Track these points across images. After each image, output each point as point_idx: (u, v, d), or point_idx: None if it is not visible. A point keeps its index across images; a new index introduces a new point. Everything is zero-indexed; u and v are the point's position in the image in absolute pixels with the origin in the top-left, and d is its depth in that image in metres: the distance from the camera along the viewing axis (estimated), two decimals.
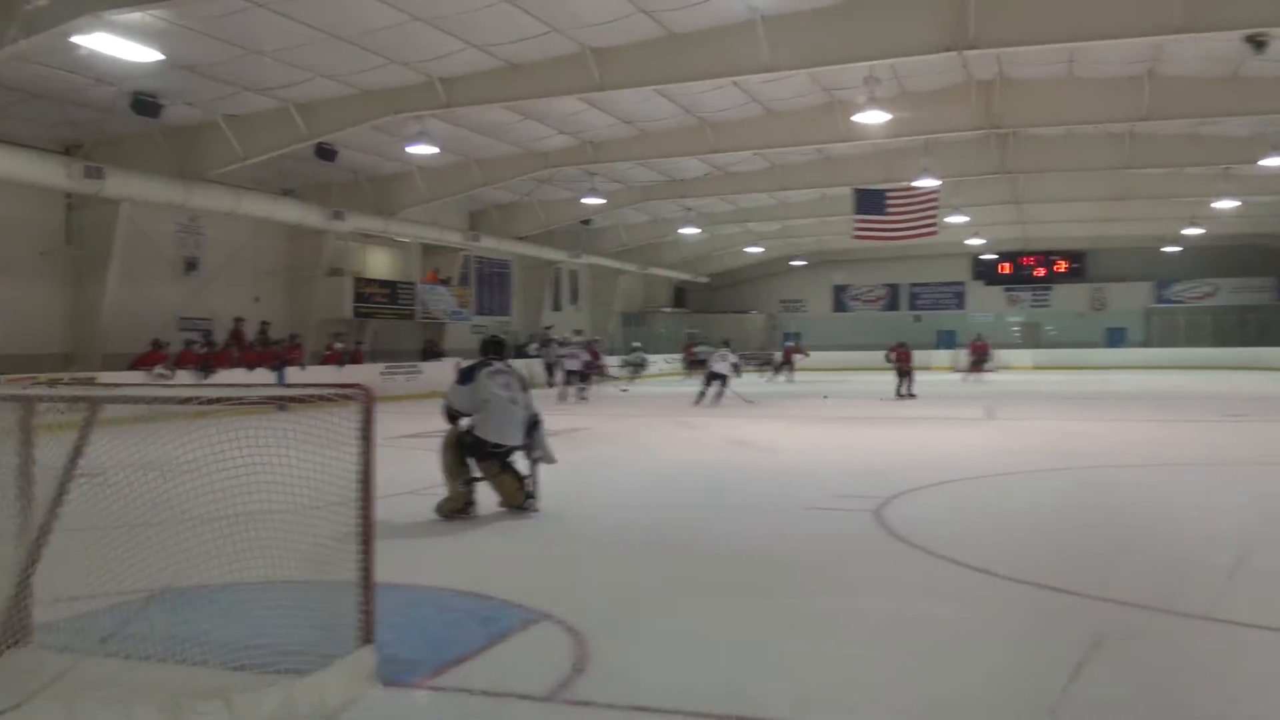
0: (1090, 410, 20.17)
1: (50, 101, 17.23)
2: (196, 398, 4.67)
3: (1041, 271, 47.54)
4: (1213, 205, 30.77)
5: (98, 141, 19.22)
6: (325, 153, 21.13)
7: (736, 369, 22.14)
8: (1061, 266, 47.12)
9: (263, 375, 20.43)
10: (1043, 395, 25.32)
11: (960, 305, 49.05)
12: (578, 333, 35.65)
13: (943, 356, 41.69)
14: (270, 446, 4.42)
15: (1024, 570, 6.30)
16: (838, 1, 15.34)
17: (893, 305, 50.30)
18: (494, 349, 8.91)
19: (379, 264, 28.70)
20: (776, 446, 14.24)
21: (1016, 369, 39.63)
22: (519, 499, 8.46)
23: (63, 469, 4.63)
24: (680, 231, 35.78)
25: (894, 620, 5.36)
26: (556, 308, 38.73)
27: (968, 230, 37.22)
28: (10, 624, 4.51)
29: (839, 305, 51.05)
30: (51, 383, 9.13)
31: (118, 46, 13.80)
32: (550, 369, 24.84)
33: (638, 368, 34.51)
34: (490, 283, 34.59)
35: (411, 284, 28.52)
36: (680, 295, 49.89)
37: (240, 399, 4.76)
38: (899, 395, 23.42)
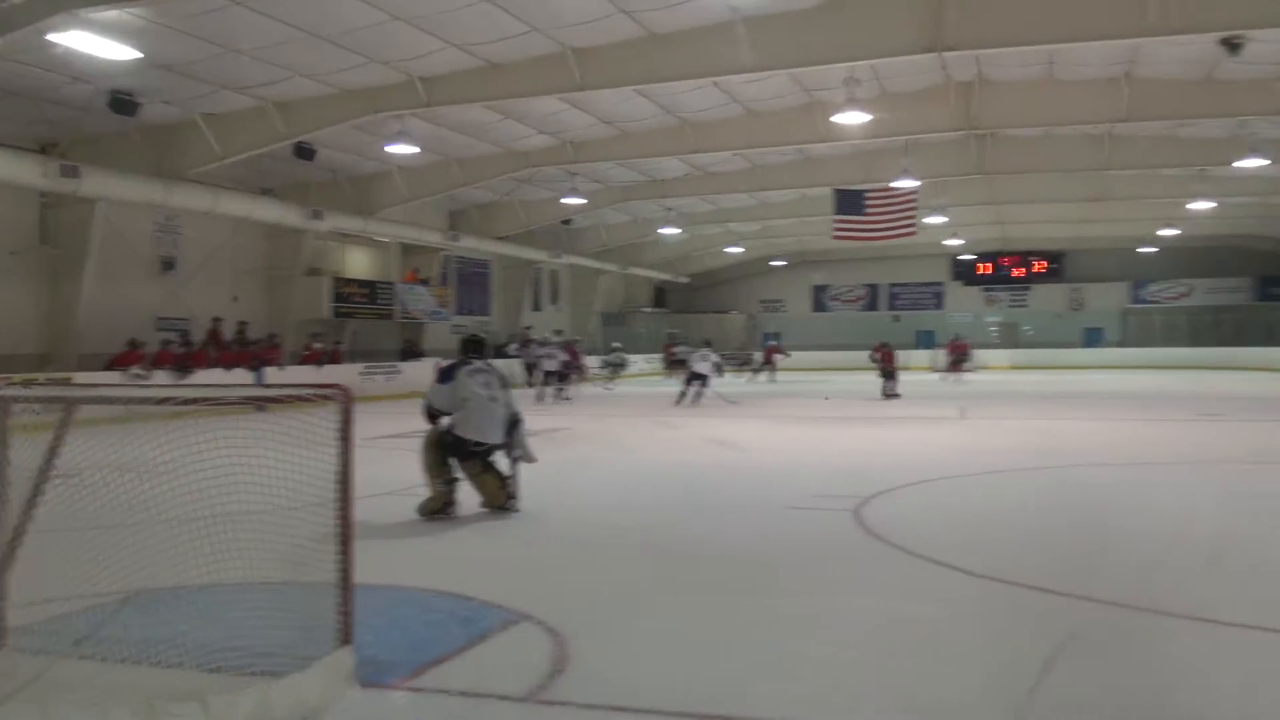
0: (1068, 410, 20.31)
1: (26, 99, 17.08)
2: (173, 398, 4.65)
3: (1019, 272, 47.81)
4: (1188, 206, 31.03)
5: (74, 140, 19.07)
6: (304, 152, 21.03)
7: (718, 369, 22.13)
8: (1039, 267, 47.41)
9: (241, 375, 20.30)
10: (1021, 395, 25.47)
11: (939, 305, 49.28)
12: (558, 333, 35.63)
13: (921, 356, 41.85)
14: (248, 447, 4.40)
15: (1002, 569, 6.34)
16: (818, 2, 15.38)
17: (872, 305, 50.49)
18: (474, 348, 8.90)
19: (358, 264, 28.59)
20: (757, 446, 14.26)
21: (994, 369, 39.83)
22: (500, 499, 8.45)
23: (38, 470, 4.59)
24: (660, 232, 35.77)
25: (873, 619, 5.38)
26: (537, 308, 38.69)
27: (946, 231, 37.38)
28: None
29: (819, 305, 51.19)
30: (26, 383, 9.04)
31: (94, 44, 13.68)
32: (530, 369, 24.78)
33: (617, 368, 34.50)
34: (470, 283, 34.51)
35: (391, 284, 28.42)
36: (660, 295, 49.92)
37: (218, 399, 4.74)
38: (885, 395, 23.42)
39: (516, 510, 8.43)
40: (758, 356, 37.47)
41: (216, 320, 22.56)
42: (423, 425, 8.65)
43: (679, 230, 35.64)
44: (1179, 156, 25.15)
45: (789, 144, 23.77)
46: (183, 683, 4.01)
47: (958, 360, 33.52)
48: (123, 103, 17.21)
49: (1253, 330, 41.99)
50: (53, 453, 4.62)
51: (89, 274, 19.19)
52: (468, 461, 8.41)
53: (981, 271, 48.16)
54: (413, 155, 21.63)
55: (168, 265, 22.15)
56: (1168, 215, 35.06)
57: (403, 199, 25.78)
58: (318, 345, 24.58)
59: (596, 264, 39.24)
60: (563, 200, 28.13)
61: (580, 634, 4.98)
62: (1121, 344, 45.64)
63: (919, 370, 39.03)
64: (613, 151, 23.77)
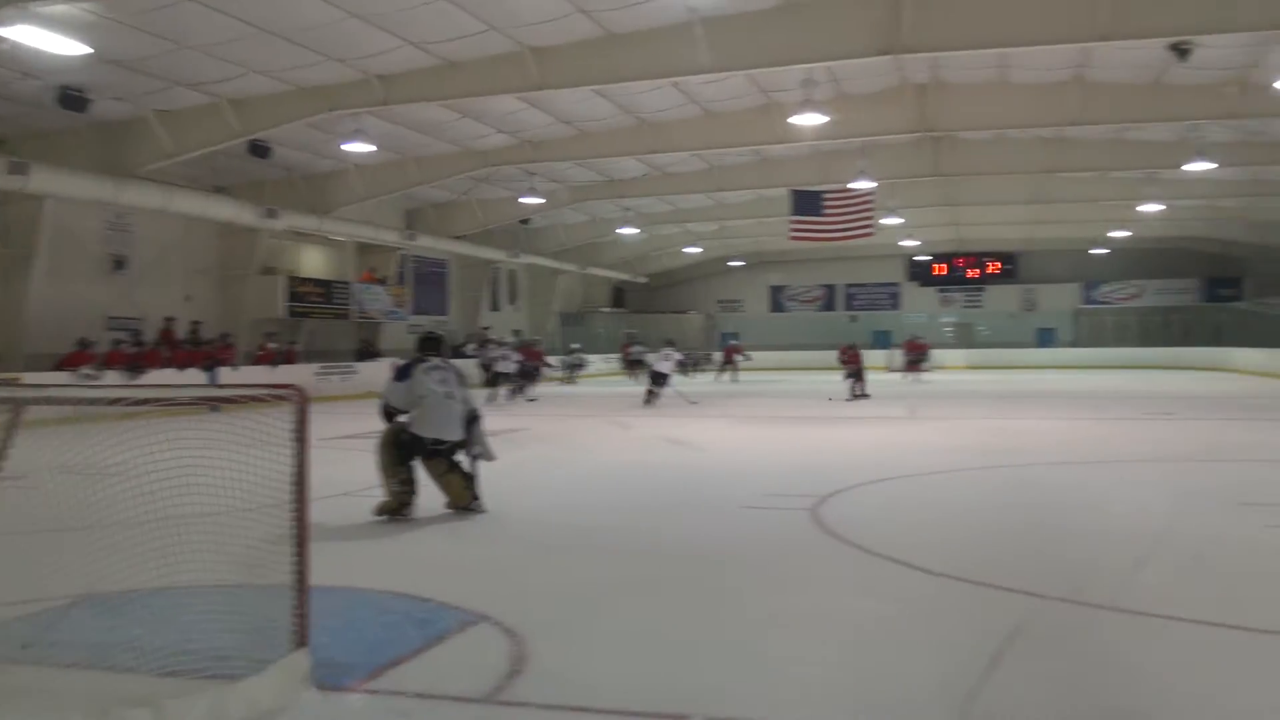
0: (1022, 409, 20.57)
1: None
2: (125, 399, 4.59)
3: (974, 273, 48.38)
4: (1138, 209, 31.54)
5: (23, 136, 18.68)
6: (259, 150, 20.80)
7: (682, 367, 22.09)
8: (993, 268, 48.00)
9: (194, 376, 20.05)
10: (976, 395, 25.75)
11: (895, 306, 49.73)
12: (516, 333, 35.54)
13: (878, 356, 42.18)
14: (202, 448, 4.36)
15: (956, 567, 6.41)
16: (775, 4, 15.47)
17: (829, 306, 50.84)
18: (431, 346, 8.85)
19: (314, 263, 28.32)
20: (715, 446, 14.31)
21: (950, 369, 40.22)
22: (466, 499, 8.41)
23: None
24: (619, 232, 35.81)
25: (828, 617, 5.43)
26: (495, 308, 38.55)
27: (903, 232, 37.75)
28: None
29: (776, 305, 51.48)
30: None
31: (43, 39, 13.43)
32: (486, 369, 24.67)
33: (575, 368, 34.46)
34: (427, 282, 34.30)
35: (347, 283, 28.18)
36: (619, 295, 49.94)
37: (171, 400, 4.69)
38: (854, 396, 23.41)
39: (483, 510, 8.40)
40: (717, 356, 37.55)
41: (169, 320, 22.27)
42: (380, 425, 8.60)
43: (637, 230, 35.67)
44: (1129, 159, 25.57)
45: (746, 145, 23.87)
46: (136, 687, 3.97)
47: (916, 360, 33.68)
48: (72, 99, 16.94)
49: (1200, 330, 42.78)
50: (0, 455, 4.54)
51: (37, 272, 18.86)
52: (431, 461, 8.37)
53: (937, 272, 48.69)
54: (369, 154, 21.46)
55: (119, 264, 21.81)
56: (1118, 217, 35.65)
57: (359, 198, 25.59)
58: (272, 345, 24.34)
59: (555, 264, 39.18)
60: (521, 200, 28.07)
61: (538, 635, 4.98)
62: (1074, 344, 46.31)
63: (875, 370, 39.29)
64: (571, 151, 23.75)
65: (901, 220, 33.06)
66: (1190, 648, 4.90)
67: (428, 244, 31.23)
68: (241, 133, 18.96)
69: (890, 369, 37.56)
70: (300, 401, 4.26)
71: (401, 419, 8.39)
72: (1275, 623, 5.16)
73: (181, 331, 22.52)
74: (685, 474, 11.38)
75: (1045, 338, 47.23)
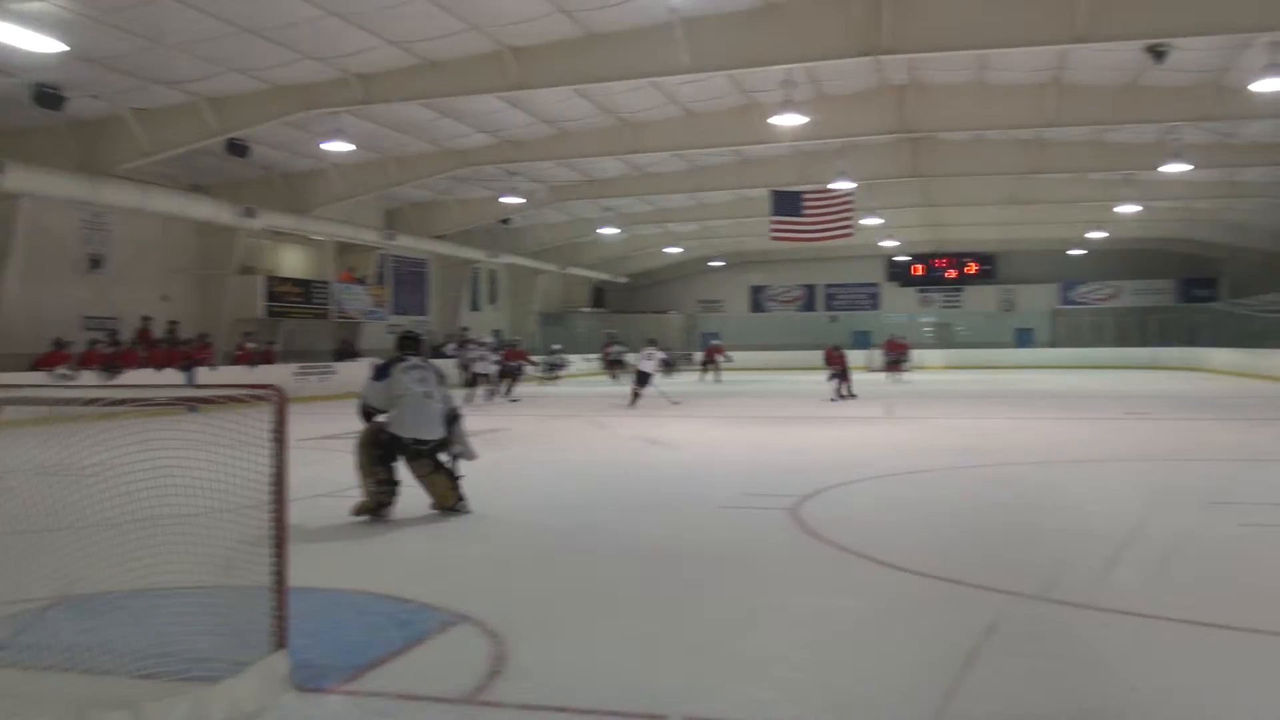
0: (1000, 409, 20.68)
1: None
2: (102, 399, 4.55)
3: (953, 273, 48.65)
4: (1115, 210, 31.79)
5: None
6: (237, 148, 20.67)
7: (666, 365, 22.04)
8: (972, 268, 48.28)
9: (171, 376, 19.94)
10: (954, 395, 25.89)
11: (875, 306, 49.94)
12: (496, 333, 35.48)
13: (858, 356, 42.31)
14: (179, 449, 4.34)
15: (933, 565, 6.45)
16: (755, 5, 15.51)
17: (809, 306, 51.01)
18: (409, 345, 8.81)
19: (293, 262, 28.19)
20: (694, 446, 14.34)
21: (929, 369, 40.39)
22: (451, 500, 8.39)
23: None
24: (599, 231, 35.81)
25: (806, 616, 5.45)
26: (475, 307, 38.46)
27: (882, 232, 37.92)
28: None
29: (756, 305, 51.60)
30: None
31: (18, 36, 13.30)
32: (466, 369, 24.61)
33: (555, 368, 34.44)
34: (407, 282, 34.21)
35: (326, 283, 28.07)
36: (599, 295, 49.93)
37: (148, 400, 4.66)
38: (840, 396, 23.41)
39: (467, 511, 8.38)
40: (697, 356, 37.55)
41: (146, 319, 22.12)
42: (359, 425, 8.57)
43: (618, 230, 35.69)
44: (1106, 161, 25.76)
45: (727, 145, 23.92)
46: (114, 690, 3.95)
47: (897, 360, 33.64)
48: (48, 96, 16.80)
49: (1176, 331, 43.14)
50: None
51: (12, 272, 18.69)
52: (415, 462, 8.34)
53: (916, 273, 48.93)
54: (348, 153, 21.39)
55: (95, 263, 21.64)
56: (1095, 218, 35.91)
57: (338, 197, 25.50)
58: (250, 345, 24.22)
59: (535, 264, 39.13)
60: (501, 199, 28.04)
61: (518, 635, 4.98)
62: (1052, 344, 46.62)
63: (857, 370, 39.39)
64: (551, 151, 23.73)
65: (881, 221, 33.21)
66: (1163, 645, 4.95)
67: (407, 243, 31.14)
68: (219, 131, 18.86)
69: (870, 369, 37.65)
70: (279, 402, 4.25)
71: (380, 419, 8.36)
72: (1247, 620, 5.21)
73: (159, 331, 22.37)
74: (665, 474, 11.40)
75: (1023, 338, 47.53)
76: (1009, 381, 31.96)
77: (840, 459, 12.37)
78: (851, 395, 23.32)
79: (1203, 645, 4.93)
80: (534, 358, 30.59)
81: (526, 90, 17.73)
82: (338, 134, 19.12)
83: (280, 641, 4.25)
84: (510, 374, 25.67)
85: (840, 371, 23.65)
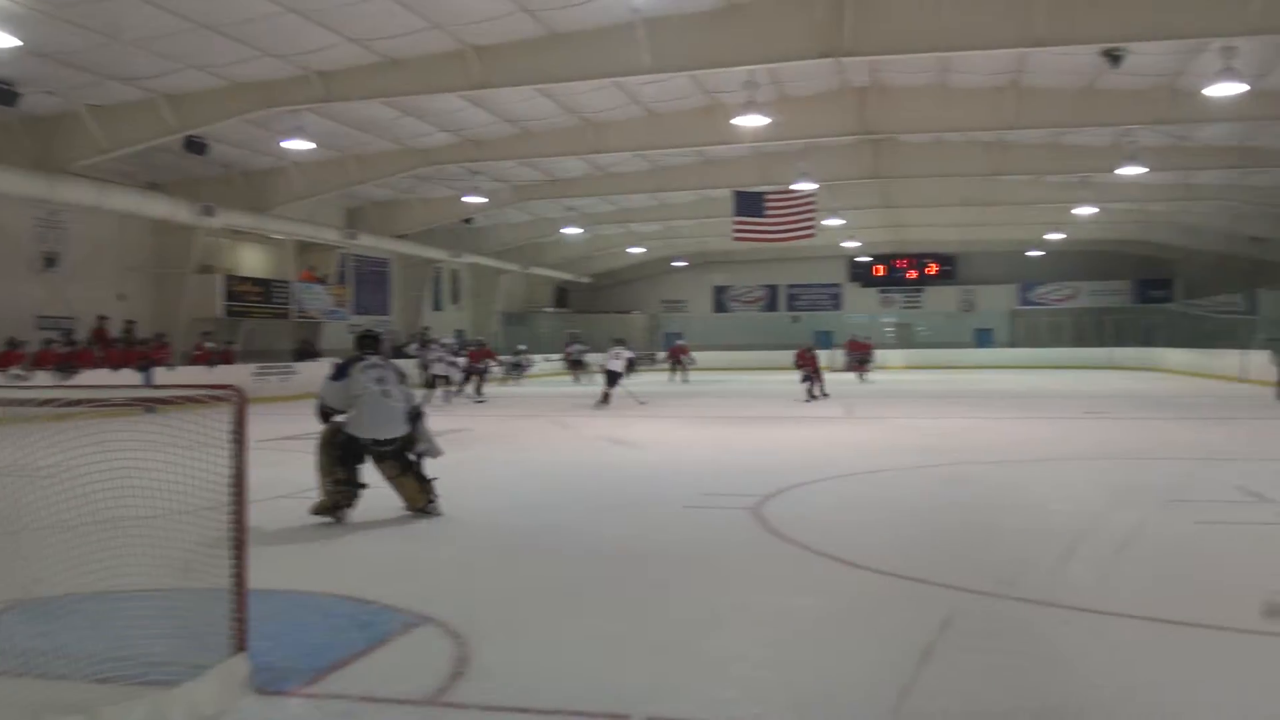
0: (960, 408, 20.88)
1: None
2: (57, 399, 4.49)
3: (914, 274, 49.08)
4: (1073, 212, 32.26)
5: None
6: (195, 146, 20.41)
7: (631, 365, 22.00)
8: (932, 269, 48.73)
9: (128, 376, 19.68)
10: (915, 394, 26.12)
11: (837, 306, 50.26)
12: (459, 333, 35.32)
13: (820, 357, 42.50)
14: (137, 450, 4.28)
15: (894, 564, 6.50)
16: (717, 6, 15.56)
17: (772, 306, 51.25)
18: (369, 344, 8.72)
19: (252, 261, 27.90)
20: (658, 446, 14.36)
21: (890, 369, 40.68)
22: (421, 501, 8.33)
23: None
24: (562, 231, 35.77)
25: (768, 615, 5.48)
26: (437, 307, 38.27)
27: (844, 233, 38.17)
28: None
29: (719, 306, 51.77)
30: None
31: None
32: (426, 369, 24.45)
33: (518, 368, 34.35)
34: (368, 281, 33.95)
35: (286, 282, 27.81)
36: (563, 295, 49.86)
37: (105, 401, 4.60)
38: (813, 397, 23.44)
39: (438, 513, 8.32)
40: (660, 355, 37.53)
41: (102, 319, 21.82)
42: (319, 426, 8.50)
43: (581, 230, 35.68)
44: (1063, 164, 26.09)
45: (689, 145, 23.97)
46: (70, 695, 3.90)
47: (862, 360, 33.64)
48: (1, 92, 16.53)
49: (1132, 331, 43.78)
50: None
51: None
52: (382, 464, 8.28)
53: (877, 273, 49.34)
54: (309, 151, 21.21)
55: (50, 261, 21.29)
56: (1054, 220, 36.36)
57: (299, 196, 25.28)
58: (209, 345, 23.97)
59: (498, 263, 39.01)
60: (464, 199, 27.95)
61: (481, 636, 4.97)
62: (1011, 344, 47.14)
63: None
64: (514, 150, 23.67)
65: (842, 222, 33.44)
66: (1122, 642, 5.01)
67: (369, 243, 30.93)
68: (178, 129, 18.65)
69: (831, 369, 37.82)
70: (238, 402, 4.21)
71: (339, 419, 8.29)
72: (1205, 617, 5.29)
73: (115, 331, 22.07)
74: (628, 474, 11.41)
75: (983, 338, 48.03)
76: (969, 381, 32.28)
77: (803, 459, 12.43)
78: (825, 395, 23.41)
79: (1161, 642, 5.00)
80: (500, 357, 30.50)
81: (489, 89, 17.69)
82: (298, 132, 18.97)
83: (240, 644, 4.22)
84: (477, 374, 25.61)
85: (813, 372, 23.75)
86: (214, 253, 25.70)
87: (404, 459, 8.34)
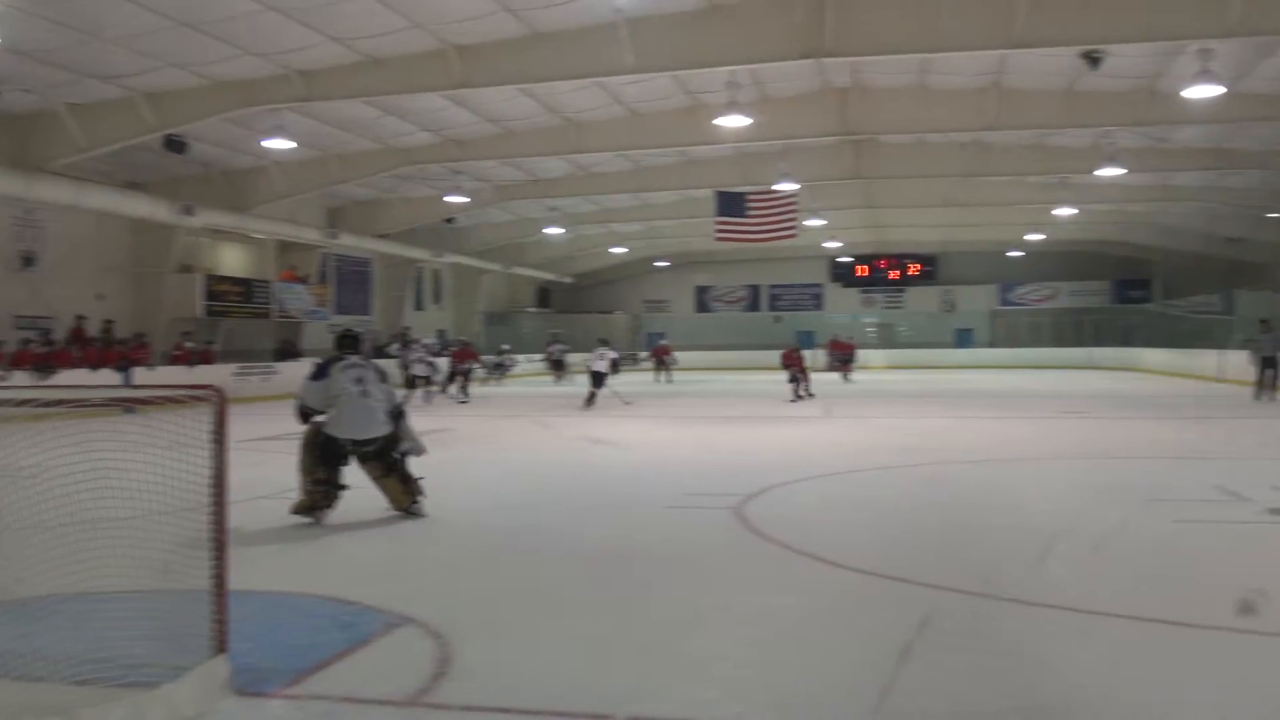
0: (940, 408, 20.96)
1: None
2: (35, 399, 4.46)
3: (895, 274, 49.28)
4: (1053, 213, 32.42)
5: None
6: (175, 145, 20.27)
7: (615, 365, 21.94)
8: (914, 269, 48.95)
9: (107, 376, 19.54)
10: (897, 394, 26.22)
11: (819, 306, 50.40)
12: (440, 333, 35.24)
13: (806, 357, 42.57)
14: (116, 451, 4.26)
15: (875, 563, 6.53)
16: (699, 6, 15.58)
17: (754, 306, 51.34)
18: (349, 344, 8.68)
19: (232, 261, 27.77)
20: (640, 446, 14.36)
21: (871, 368, 40.81)
22: (405, 502, 8.29)
23: None
24: (544, 231, 35.71)
25: (751, 614, 5.49)
26: (419, 307, 38.15)
27: (825, 233, 38.26)
28: None
29: (701, 306, 51.83)
30: None
31: None
32: (406, 369, 24.35)
33: (500, 368, 34.29)
34: (350, 281, 33.82)
35: (267, 282, 27.69)
36: (545, 295, 49.79)
37: (83, 401, 4.57)
38: (799, 396, 23.45)
39: (423, 514, 8.29)
40: (642, 355, 37.48)
41: (80, 318, 21.66)
42: (299, 427, 8.46)
43: (563, 230, 35.64)
44: (1043, 165, 26.23)
45: (671, 146, 23.98)
46: (48, 697, 3.87)
47: (845, 360, 33.56)
48: None
49: (1111, 331, 44.09)
50: None
51: None
52: (367, 465, 8.25)
53: (859, 274, 49.54)
54: (290, 150, 21.09)
55: (28, 260, 21.12)
56: (1033, 221, 36.54)
57: (279, 195, 25.15)
58: (189, 345, 23.83)
59: (480, 263, 38.92)
60: (445, 198, 27.87)
61: (463, 636, 4.96)
62: (991, 344, 47.40)
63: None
64: (496, 150, 23.62)
65: (824, 222, 33.51)
66: (1099, 639, 5.03)
67: (350, 242, 30.82)
68: (157, 127, 18.53)
69: (813, 369, 37.84)
70: (218, 402, 4.19)
71: (319, 419, 8.26)
72: (1183, 615, 5.33)
73: (93, 330, 21.92)
74: (610, 474, 11.41)
75: (963, 338, 48.27)
76: (949, 381, 32.41)
77: (784, 458, 12.45)
78: (810, 395, 23.43)
79: (1141, 640, 5.03)
80: (482, 357, 30.44)
81: (470, 89, 17.65)
82: (279, 131, 18.86)
83: (220, 646, 4.20)
84: (462, 374, 25.58)
85: (799, 372, 23.81)
86: (194, 252, 25.56)
87: (387, 459, 8.30)
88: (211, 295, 25.18)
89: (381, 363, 9.60)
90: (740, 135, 20.69)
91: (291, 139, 19.44)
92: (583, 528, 8.14)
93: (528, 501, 9.56)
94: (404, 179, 27.64)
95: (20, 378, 17.89)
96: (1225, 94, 16.66)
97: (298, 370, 23.18)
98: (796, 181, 24.81)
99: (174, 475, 4.22)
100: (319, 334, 29.38)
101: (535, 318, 47.44)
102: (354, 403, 8.12)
